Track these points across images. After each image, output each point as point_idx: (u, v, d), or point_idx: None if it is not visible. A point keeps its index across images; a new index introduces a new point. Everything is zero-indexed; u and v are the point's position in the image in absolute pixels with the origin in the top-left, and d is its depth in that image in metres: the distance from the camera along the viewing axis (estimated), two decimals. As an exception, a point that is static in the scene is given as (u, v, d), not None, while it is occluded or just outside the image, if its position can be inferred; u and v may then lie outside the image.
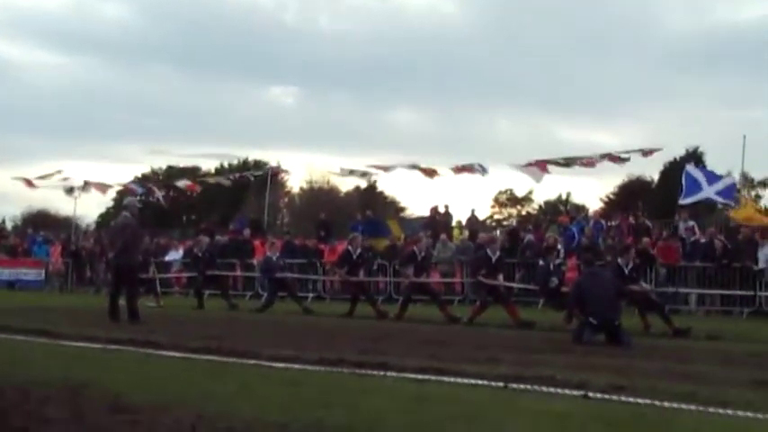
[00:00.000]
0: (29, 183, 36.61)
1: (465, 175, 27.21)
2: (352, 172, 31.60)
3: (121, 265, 15.19)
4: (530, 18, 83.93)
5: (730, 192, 23.53)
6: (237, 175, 38.73)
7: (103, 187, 37.32)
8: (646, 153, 24.64)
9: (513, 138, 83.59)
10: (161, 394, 6.35)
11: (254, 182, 38.91)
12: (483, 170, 26.93)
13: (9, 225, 56.06)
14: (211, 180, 39.36)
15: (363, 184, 33.13)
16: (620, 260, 15.06)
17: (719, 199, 23.62)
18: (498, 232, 32.91)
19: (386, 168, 29.21)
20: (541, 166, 25.59)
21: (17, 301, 21.63)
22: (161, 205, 40.84)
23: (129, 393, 6.32)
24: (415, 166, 28.33)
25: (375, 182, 31.04)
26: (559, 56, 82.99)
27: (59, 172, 36.26)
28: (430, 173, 27.73)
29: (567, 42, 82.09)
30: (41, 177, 36.60)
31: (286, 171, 38.79)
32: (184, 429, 5.07)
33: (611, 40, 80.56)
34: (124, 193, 38.55)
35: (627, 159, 24.89)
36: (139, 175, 60.01)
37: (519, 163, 26.16)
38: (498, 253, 17.22)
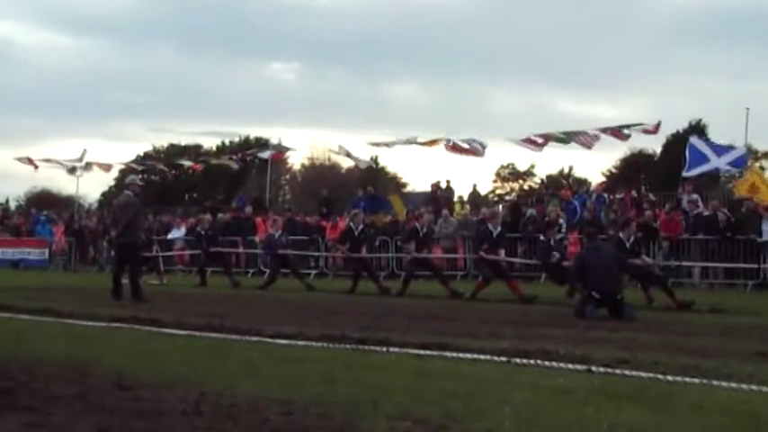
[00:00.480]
0: (31, 162, 36.80)
1: (463, 154, 27.13)
2: (349, 154, 31.67)
3: (124, 244, 15.18)
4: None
5: (742, 162, 23.22)
6: (240, 154, 38.44)
7: (106, 166, 37.45)
8: (649, 131, 24.52)
9: (514, 112, 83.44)
10: (165, 372, 6.38)
11: (255, 159, 38.77)
12: (482, 148, 26.86)
13: (12, 205, 56.17)
14: (215, 160, 39.17)
15: (364, 161, 33.07)
16: (621, 234, 15.05)
17: (731, 169, 23.25)
18: (500, 207, 32.92)
19: (387, 144, 29.14)
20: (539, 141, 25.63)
21: (21, 281, 21.69)
22: (163, 183, 40.72)
23: (133, 371, 6.36)
24: (411, 141, 28.27)
25: (376, 157, 31.00)
26: (561, 29, 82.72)
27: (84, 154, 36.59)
28: (429, 143, 27.71)
29: (569, 15, 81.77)
30: (46, 160, 36.85)
31: (288, 148, 38.28)
32: (188, 406, 5.09)
33: (613, 13, 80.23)
34: (126, 171, 38.60)
35: (628, 135, 24.81)
36: (141, 154, 60.09)
37: (518, 137, 26.14)
38: (499, 228, 17.19)
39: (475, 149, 26.74)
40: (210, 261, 22.20)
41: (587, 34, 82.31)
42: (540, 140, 25.56)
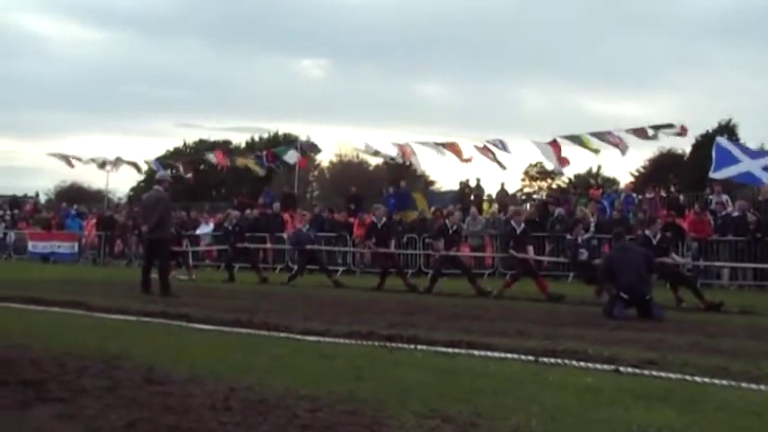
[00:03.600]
0: (67, 160, 37.29)
1: (486, 154, 27.00)
2: (376, 153, 31.54)
3: (155, 239, 15.26)
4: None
5: None
6: (265, 153, 38.15)
7: (137, 167, 37.81)
8: (680, 133, 24.32)
9: (543, 110, 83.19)
10: (194, 367, 6.42)
11: (279, 166, 38.53)
12: (504, 149, 26.80)
13: (43, 199, 56.67)
14: (241, 163, 38.92)
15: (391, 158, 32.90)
16: (647, 231, 14.98)
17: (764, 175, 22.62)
18: (527, 206, 32.81)
19: (406, 152, 29.07)
20: (562, 161, 25.59)
21: (52, 274, 21.87)
22: (191, 179, 40.57)
23: (162, 365, 6.41)
24: (439, 146, 28.09)
25: (403, 155, 30.73)
26: (589, 28, 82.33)
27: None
28: (453, 149, 27.56)
29: (596, 14, 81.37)
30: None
31: (316, 150, 37.85)
32: (217, 401, 5.13)
33: (640, 11, 79.74)
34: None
35: (654, 136, 24.62)
36: (171, 149, 60.38)
37: (546, 138, 26.06)
38: (523, 225, 17.15)
39: (496, 158, 26.68)
40: (238, 256, 22.29)
41: (615, 33, 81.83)
42: (562, 163, 25.56)
